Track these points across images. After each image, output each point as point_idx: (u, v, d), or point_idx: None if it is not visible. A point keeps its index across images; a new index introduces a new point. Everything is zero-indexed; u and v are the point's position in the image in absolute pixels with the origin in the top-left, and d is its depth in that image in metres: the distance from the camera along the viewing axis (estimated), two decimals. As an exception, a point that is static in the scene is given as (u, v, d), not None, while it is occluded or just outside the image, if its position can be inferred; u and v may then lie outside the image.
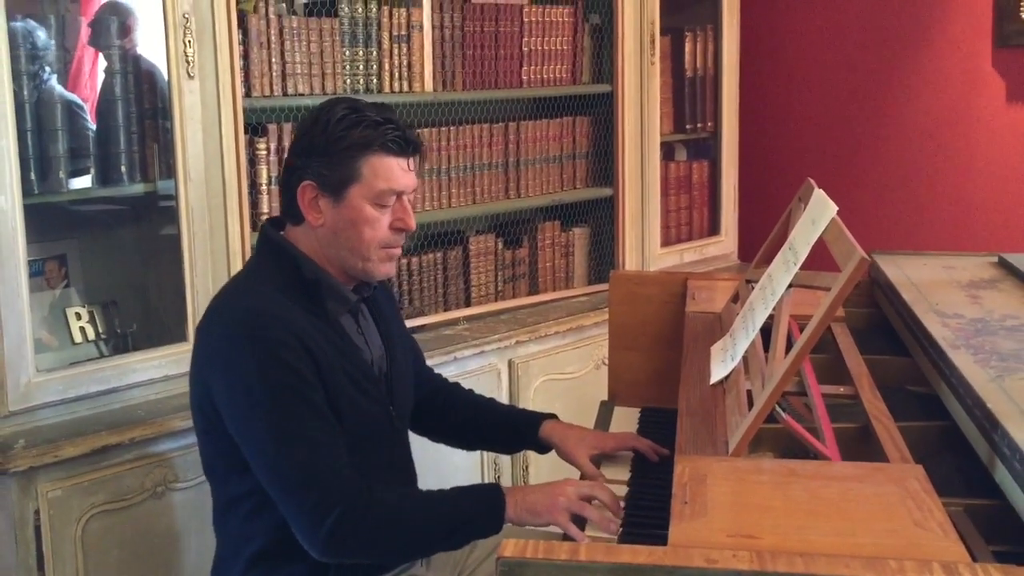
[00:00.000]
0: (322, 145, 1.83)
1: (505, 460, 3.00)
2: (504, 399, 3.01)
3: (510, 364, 3.03)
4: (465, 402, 2.22)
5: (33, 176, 2.32)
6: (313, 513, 1.73)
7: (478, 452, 2.93)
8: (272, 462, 1.76)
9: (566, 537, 1.74)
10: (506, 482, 3.00)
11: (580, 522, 1.78)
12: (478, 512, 1.81)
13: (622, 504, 1.84)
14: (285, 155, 1.93)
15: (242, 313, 1.81)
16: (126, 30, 2.50)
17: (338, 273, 1.91)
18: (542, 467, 3.00)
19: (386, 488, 1.83)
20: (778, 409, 1.59)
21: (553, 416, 2.16)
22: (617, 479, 1.99)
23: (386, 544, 1.78)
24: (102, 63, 2.50)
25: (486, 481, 2.93)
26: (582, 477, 2.03)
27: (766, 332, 1.73)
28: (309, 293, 1.86)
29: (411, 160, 1.88)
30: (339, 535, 1.72)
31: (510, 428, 2.19)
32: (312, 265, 1.88)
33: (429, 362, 2.45)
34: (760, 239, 2.17)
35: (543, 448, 2.14)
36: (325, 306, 1.87)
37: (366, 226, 1.85)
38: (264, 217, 2.62)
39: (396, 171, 1.86)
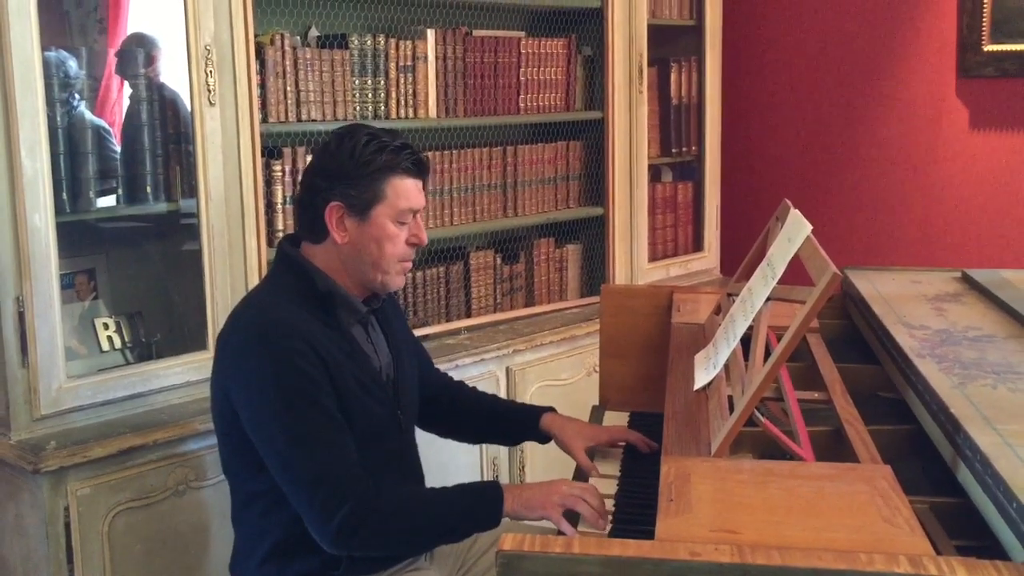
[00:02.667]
0: (350, 169, 1.85)
1: (503, 460, 3.00)
2: (502, 404, 3.02)
3: (508, 371, 3.03)
4: (471, 399, 2.24)
5: (65, 196, 2.33)
6: (324, 509, 1.74)
7: (479, 453, 2.93)
8: (286, 461, 1.77)
9: (560, 532, 1.75)
10: (503, 480, 3.00)
11: (572, 519, 1.79)
12: (478, 506, 1.82)
13: (612, 505, 1.85)
14: (305, 178, 1.92)
15: (259, 323, 1.82)
16: (150, 60, 2.52)
17: (351, 286, 1.92)
18: (537, 467, 3.01)
19: (392, 486, 1.84)
20: (757, 413, 1.60)
21: (552, 409, 2.18)
22: (609, 474, 2.00)
23: (392, 538, 1.79)
24: (128, 90, 2.51)
25: (485, 479, 2.93)
26: (576, 468, 2.05)
27: (746, 342, 1.74)
28: (323, 304, 1.88)
29: (424, 181, 1.92)
30: (348, 530, 1.73)
31: (513, 421, 2.20)
32: (326, 279, 1.89)
33: (434, 369, 2.46)
34: (741, 255, 2.18)
35: (543, 438, 2.16)
36: (338, 317, 1.89)
37: (388, 242, 1.88)
38: (279, 234, 2.63)
39: (413, 191, 1.89)
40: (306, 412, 1.77)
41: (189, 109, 2.43)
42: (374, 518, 1.75)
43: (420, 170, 1.90)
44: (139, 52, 2.50)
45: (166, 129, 2.51)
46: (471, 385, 2.29)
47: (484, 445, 2.92)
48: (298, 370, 1.77)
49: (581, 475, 2.04)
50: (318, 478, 1.75)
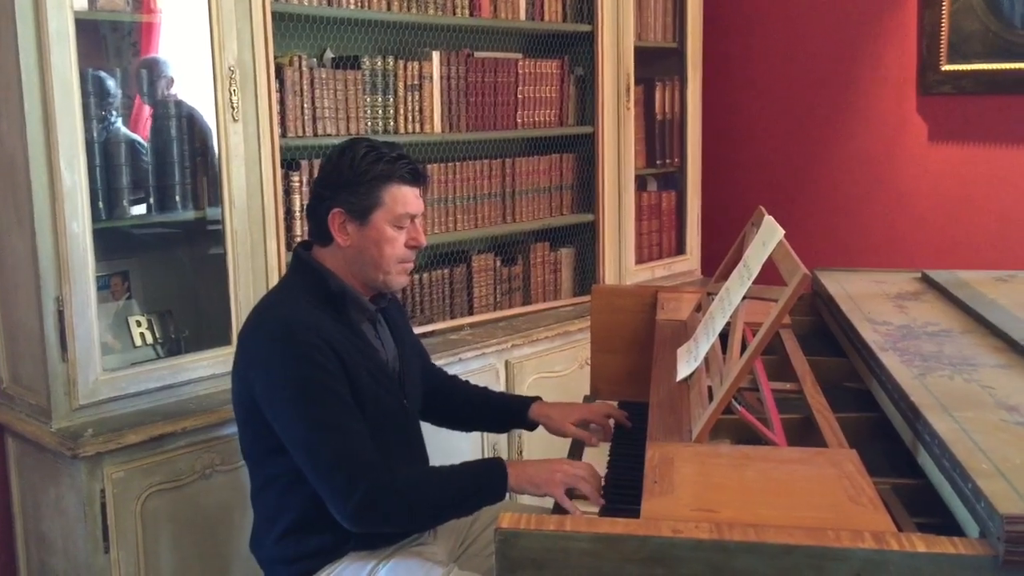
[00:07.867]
0: (350, 178, 1.85)
1: (503, 447, 3.00)
2: (501, 394, 3.02)
3: (507, 364, 3.03)
4: (465, 391, 2.25)
5: (101, 205, 2.33)
6: (342, 490, 1.73)
7: (479, 440, 2.92)
8: (307, 447, 1.76)
9: (555, 510, 1.75)
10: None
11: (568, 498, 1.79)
12: (484, 483, 1.81)
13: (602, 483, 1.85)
14: (312, 188, 1.94)
15: (279, 322, 1.82)
16: (166, 81, 2.50)
17: (359, 286, 1.92)
18: (534, 452, 3.01)
19: (404, 467, 1.84)
20: (734, 402, 1.60)
21: (539, 398, 2.19)
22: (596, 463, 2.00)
23: (406, 514, 1.79)
24: (151, 108, 2.50)
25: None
26: (572, 447, 2.09)
27: (724, 337, 1.74)
28: (335, 303, 1.88)
29: (421, 188, 1.92)
30: (365, 508, 1.73)
31: (504, 411, 2.21)
32: (337, 280, 1.90)
33: (438, 362, 2.46)
34: (719, 257, 2.18)
35: (531, 426, 2.17)
36: (349, 315, 1.89)
37: (387, 245, 1.88)
38: (297, 239, 2.63)
39: (410, 198, 1.89)
40: (324, 402, 1.76)
41: (214, 125, 2.43)
42: (389, 498, 1.75)
43: (416, 179, 1.90)
44: (155, 74, 2.49)
45: (193, 143, 2.51)
46: (463, 379, 2.30)
47: (485, 434, 2.91)
48: (316, 364, 1.77)
49: (576, 451, 2.06)
50: (336, 461, 1.74)
